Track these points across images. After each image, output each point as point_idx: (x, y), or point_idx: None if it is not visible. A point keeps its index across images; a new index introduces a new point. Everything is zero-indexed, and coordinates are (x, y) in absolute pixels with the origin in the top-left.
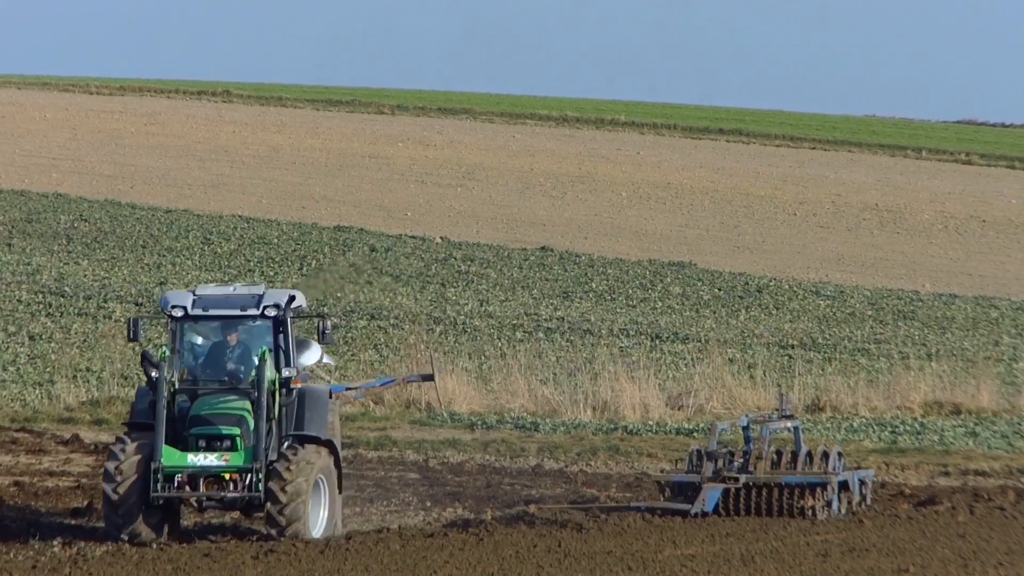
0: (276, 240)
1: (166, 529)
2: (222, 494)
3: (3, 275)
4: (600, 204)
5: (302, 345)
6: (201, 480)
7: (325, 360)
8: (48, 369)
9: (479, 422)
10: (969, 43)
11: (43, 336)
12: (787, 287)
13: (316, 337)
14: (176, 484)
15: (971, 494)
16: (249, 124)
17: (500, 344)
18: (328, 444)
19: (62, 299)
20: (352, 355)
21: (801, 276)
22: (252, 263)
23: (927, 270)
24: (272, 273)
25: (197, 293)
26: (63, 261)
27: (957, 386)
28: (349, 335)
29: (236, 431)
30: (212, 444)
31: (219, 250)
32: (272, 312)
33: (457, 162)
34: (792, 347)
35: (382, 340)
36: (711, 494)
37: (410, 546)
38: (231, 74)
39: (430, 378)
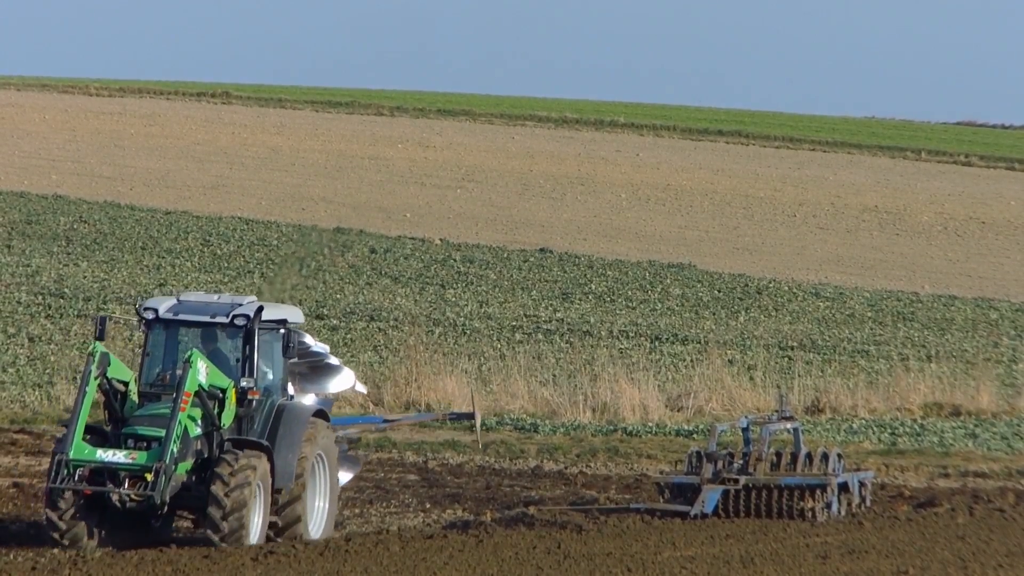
0: (276, 241)
1: (96, 531)
2: (119, 490)
3: (3, 277)
4: (599, 205)
5: (334, 370)
6: (127, 477)
7: (358, 388)
8: (48, 371)
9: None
10: (969, 44)
11: (42, 338)
12: (786, 288)
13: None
14: (77, 477)
15: (971, 496)
16: (249, 126)
17: (499, 345)
18: (266, 450)
19: (61, 301)
20: (352, 357)
21: (800, 277)
22: (252, 264)
23: (926, 271)
24: (272, 275)
25: (180, 299)
26: (62, 263)
27: (956, 388)
28: (348, 336)
29: (162, 433)
30: (139, 444)
31: (219, 252)
32: (241, 322)
33: (456, 163)
34: (791, 348)
35: (381, 342)
36: (711, 496)
37: (409, 547)
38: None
39: (471, 416)
